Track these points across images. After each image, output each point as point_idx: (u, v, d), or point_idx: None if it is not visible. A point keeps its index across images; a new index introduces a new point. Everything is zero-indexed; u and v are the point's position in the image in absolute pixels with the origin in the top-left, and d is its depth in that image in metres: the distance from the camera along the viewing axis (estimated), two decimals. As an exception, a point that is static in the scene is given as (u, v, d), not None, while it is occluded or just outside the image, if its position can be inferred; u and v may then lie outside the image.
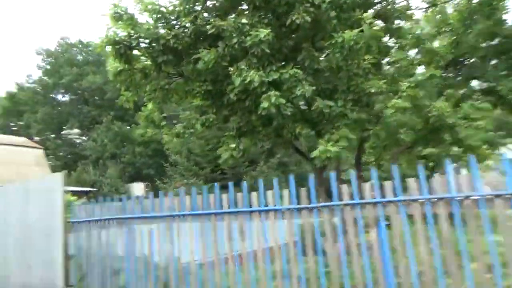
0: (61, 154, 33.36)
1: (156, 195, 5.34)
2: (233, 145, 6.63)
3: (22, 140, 26.30)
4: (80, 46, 36.65)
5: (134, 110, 12.34)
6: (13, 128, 34.62)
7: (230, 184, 4.50)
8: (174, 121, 16.70)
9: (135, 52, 7.54)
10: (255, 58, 6.29)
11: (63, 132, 34.54)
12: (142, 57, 7.73)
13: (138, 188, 27.46)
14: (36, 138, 32.55)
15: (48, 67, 35.20)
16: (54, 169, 25.93)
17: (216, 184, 4.66)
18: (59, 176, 5.69)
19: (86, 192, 19.95)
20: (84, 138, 34.92)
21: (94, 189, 22.99)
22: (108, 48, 7.25)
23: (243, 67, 6.24)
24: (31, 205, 5.99)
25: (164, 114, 9.20)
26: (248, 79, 6.08)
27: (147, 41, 7.25)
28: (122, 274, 5.19)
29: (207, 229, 4.56)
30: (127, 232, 5.23)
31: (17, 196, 6.27)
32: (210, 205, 4.60)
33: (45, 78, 34.71)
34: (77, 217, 5.78)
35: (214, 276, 4.44)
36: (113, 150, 30.61)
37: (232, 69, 6.34)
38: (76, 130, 36.54)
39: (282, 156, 23.34)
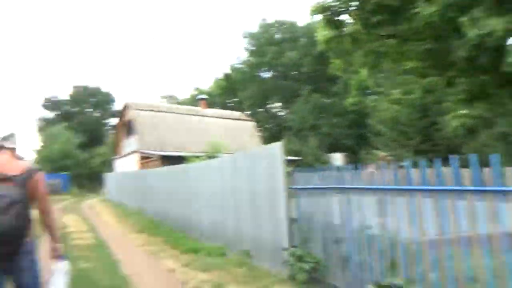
0: (267, 126, 37.10)
1: (355, 166, 5.14)
2: (463, 111, 5.67)
3: (238, 114, 30.32)
4: (277, 25, 39.25)
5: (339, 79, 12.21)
6: (229, 105, 40.31)
7: (472, 156, 3.76)
8: (381, 89, 15.87)
9: (344, 17, 7.30)
10: (496, 2, 5.10)
11: (268, 106, 38.04)
12: (351, 22, 7.43)
13: (337, 158, 27.91)
14: (247, 112, 37.04)
15: (253, 48, 39.18)
16: (263, 140, 29.00)
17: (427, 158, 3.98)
18: (279, 145, 6.03)
19: (293, 161, 21.44)
20: (285, 111, 37.68)
21: (299, 158, 24.48)
22: (318, 17, 7.23)
23: (479, 14, 5.15)
24: (257, 169, 6.60)
25: (377, 81, 8.69)
26: (487, 30, 4.98)
27: (357, 3, 6.88)
28: (343, 243, 5.17)
29: (443, 208, 3.98)
30: (346, 202, 5.15)
31: (245, 162, 7.03)
32: (446, 181, 3.98)
33: (250, 58, 38.81)
34: (296, 183, 6.06)
35: (453, 259, 3.87)
36: (312, 121, 32.00)
37: (463, 19, 5.33)
38: (278, 104, 39.82)
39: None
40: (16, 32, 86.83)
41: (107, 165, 41.01)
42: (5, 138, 3.01)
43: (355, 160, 25.80)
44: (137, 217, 14.66)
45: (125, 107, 26.24)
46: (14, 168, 2.79)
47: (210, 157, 14.34)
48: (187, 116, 25.54)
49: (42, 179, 2.96)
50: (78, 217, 16.21)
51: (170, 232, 10.76)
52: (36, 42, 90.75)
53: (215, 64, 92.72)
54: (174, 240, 9.30)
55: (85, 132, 53.26)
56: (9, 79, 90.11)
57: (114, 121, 57.92)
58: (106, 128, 58.44)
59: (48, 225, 3.02)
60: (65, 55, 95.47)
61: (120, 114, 27.44)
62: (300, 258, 5.51)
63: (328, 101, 32.89)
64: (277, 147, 6.10)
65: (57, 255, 3.09)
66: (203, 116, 26.43)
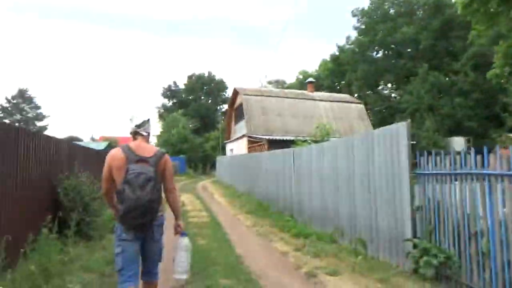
0: (377, 108, 35.02)
1: (480, 151, 4.35)
2: None
3: (346, 96, 29.15)
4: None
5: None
6: (337, 88, 39.04)
7: None
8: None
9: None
10: None
11: (379, 88, 35.81)
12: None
13: (458, 143, 25.00)
14: (356, 95, 35.40)
15: (363, 26, 37.02)
16: (373, 123, 27.43)
17: None
18: (404, 125, 5.38)
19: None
20: (398, 92, 34.99)
21: (413, 142, 22.50)
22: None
23: None
24: (376, 152, 6.05)
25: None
26: None
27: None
28: (481, 237, 4.39)
29: None
30: (487, 189, 4.33)
31: (362, 144, 6.51)
32: None
33: (360, 37, 36.78)
34: (423, 168, 5.36)
35: None
36: (430, 102, 29.15)
37: None
38: (389, 85, 37.19)
39: None
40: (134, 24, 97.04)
41: (219, 149, 43.56)
42: (139, 126, 3.36)
43: (481, 144, 22.71)
44: (246, 198, 15.12)
45: (235, 93, 27.22)
46: (148, 151, 3.17)
47: (317, 141, 13.96)
48: (294, 100, 25.39)
49: (170, 161, 3.30)
50: (193, 196, 17.42)
51: (278, 214, 10.77)
52: (153, 34, 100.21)
53: (322, 46, 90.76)
54: (282, 223, 9.25)
55: (199, 118, 57.35)
56: (132, 71, 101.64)
57: (225, 107, 61.46)
58: (218, 114, 61.97)
59: (172, 203, 3.34)
60: (179, 45, 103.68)
61: (230, 100, 28.62)
62: (426, 251, 4.88)
63: (448, 79, 29.51)
64: (401, 127, 5.47)
65: (179, 231, 3.40)
66: (310, 99, 26.00)
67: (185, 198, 16.46)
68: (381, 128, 6.09)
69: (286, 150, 11.19)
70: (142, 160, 3.06)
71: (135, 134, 3.35)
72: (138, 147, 3.19)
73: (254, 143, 22.08)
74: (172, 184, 3.31)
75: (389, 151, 5.70)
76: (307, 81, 29.68)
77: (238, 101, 26.95)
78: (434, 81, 29.23)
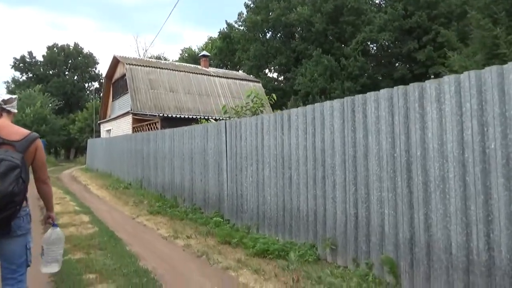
0: (267, 90, 33.65)
1: None
2: None
3: (243, 74, 26.81)
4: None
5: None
6: (227, 68, 36.49)
7: None
8: None
9: None
10: None
11: (271, 69, 34.53)
12: None
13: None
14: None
15: (253, 5, 35.00)
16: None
17: None
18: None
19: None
20: (289, 74, 34.19)
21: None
22: None
23: None
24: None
25: None
26: None
27: None
28: None
29: None
30: None
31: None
32: None
33: (252, 16, 34.71)
34: None
35: None
36: (323, 85, 28.82)
37: None
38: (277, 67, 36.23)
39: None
40: (-18, -15, 78.78)
41: (88, 132, 37.12)
42: (5, 101, 2.81)
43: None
44: (138, 191, 11.46)
45: (114, 63, 22.15)
46: (15, 133, 2.66)
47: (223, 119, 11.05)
48: (187, 74, 21.84)
49: (41, 147, 2.80)
50: (61, 190, 12.81)
51: (195, 213, 7.69)
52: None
53: (203, 25, 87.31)
54: (219, 229, 6.19)
55: (63, 96, 48.65)
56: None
57: (95, 85, 53.48)
58: (86, 92, 53.70)
59: (45, 194, 2.88)
60: (36, 11, 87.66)
61: (108, 71, 23.29)
62: None
63: (339, 63, 29.62)
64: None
65: (50, 222, 2.96)
66: (206, 74, 22.77)
67: (48, 193, 11.83)
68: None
69: (213, 123, 8.02)
70: (6, 143, 2.52)
71: None
72: (2, 127, 2.61)
73: (141, 122, 18.01)
74: (45, 174, 2.83)
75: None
76: (200, 54, 26.37)
77: (118, 73, 22.11)
78: (327, 65, 28.96)
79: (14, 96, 2.95)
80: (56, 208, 8.92)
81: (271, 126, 5.94)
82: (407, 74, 28.94)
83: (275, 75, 38.46)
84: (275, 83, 35.86)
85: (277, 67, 34.79)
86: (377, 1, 33.17)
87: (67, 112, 48.34)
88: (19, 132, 2.68)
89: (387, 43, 30.58)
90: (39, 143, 2.76)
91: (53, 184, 14.88)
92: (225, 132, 7.24)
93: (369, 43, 31.22)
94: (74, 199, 10.47)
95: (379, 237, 4.06)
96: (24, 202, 2.63)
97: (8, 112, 2.82)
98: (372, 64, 31.94)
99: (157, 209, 8.43)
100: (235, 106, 9.66)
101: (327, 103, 4.90)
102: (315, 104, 5.15)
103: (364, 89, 29.45)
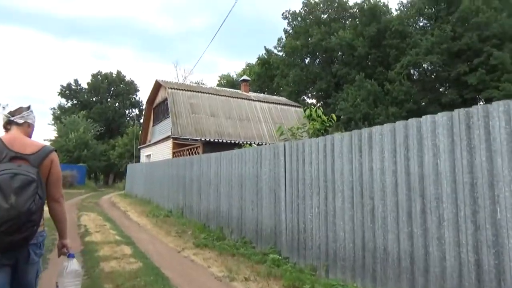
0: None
1: None
2: None
3: (283, 99, 26.20)
4: (323, 4, 34.71)
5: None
6: (265, 93, 36.16)
7: None
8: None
9: None
10: None
11: (311, 94, 33.79)
12: None
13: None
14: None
15: (294, 29, 34.78)
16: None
17: None
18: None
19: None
20: (330, 100, 33.28)
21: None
22: None
23: None
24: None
25: None
26: None
27: None
28: None
29: None
30: None
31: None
32: None
33: (292, 41, 34.49)
34: None
35: None
36: (366, 110, 27.66)
37: None
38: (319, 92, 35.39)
39: None
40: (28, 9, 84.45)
41: (128, 157, 37.45)
42: (13, 112, 2.57)
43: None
44: (180, 219, 10.72)
45: (156, 87, 22.17)
46: (29, 146, 2.45)
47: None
48: (228, 99, 21.44)
49: (57, 160, 2.56)
50: (100, 216, 12.30)
51: (247, 246, 6.80)
52: (50, 22, 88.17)
53: (237, 54, 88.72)
54: (277, 268, 5.25)
55: (104, 122, 49.98)
56: (24, 63, 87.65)
57: (135, 111, 54.74)
58: (126, 119, 54.98)
59: (58, 215, 2.57)
60: (81, 45, 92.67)
61: (149, 96, 23.32)
62: None
63: (382, 88, 28.46)
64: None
65: (65, 252, 2.62)
66: (246, 99, 22.30)
67: (88, 219, 11.34)
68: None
69: (268, 146, 7.20)
70: (19, 157, 2.33)
71: (7, 124, 2.55)
72: (14, 140, 2.41)
73: (182, 146, 17.55)
74: (60, 192, 2.54)
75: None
76: (241, 79, 26.05)
77: (160, 97, 22.06)
78: (370, 89, 27.87)
79: (24, 106, 2.69)
80: (96, 236, 8.32)
81: (344, 147, 5.04)
82: (457, 98, 27.33)
83: (314, 101, 37.70)
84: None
85: (316, 92, 34.03)
86: (421, 24, 32.01)
87: (108, 137, 49.40)
88: (33, 145, 2.49)
89: (431, 68, 29.19)
90: (55, 156, 2.54)
91: (92, 210, 14.51)
92: (283, 155, 6.39)
93: (412, 68, 29.97)
94: (115, 227, 9.85)
95: (520, 296, 2.99)
96: (41, 225, 2.41)
97: (17, 123, 2.56)
98: (416, 88, 30.57)
99: (203, 241, 7.58)
100: (291, 127, 8.82)
101: (427, 118, 3.96)
102: (409, 120, 4.22)
103: (410, 115, 28.00)
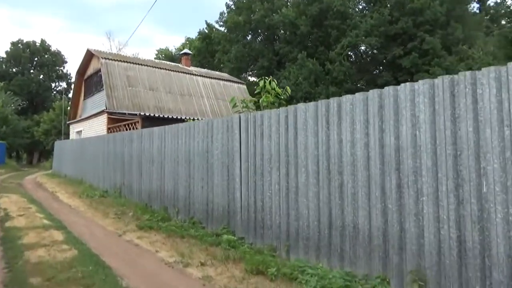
0: (250, 93, 32.38)
1: None
2: None
3: (225, 75, 25.44)
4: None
5: None
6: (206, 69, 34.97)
7: None
8: None
9: None
10: None
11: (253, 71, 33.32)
12: None
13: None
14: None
15: (234, 6, 33.74)
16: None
17: None
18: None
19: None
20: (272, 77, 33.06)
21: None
22: None
23: None
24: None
25: None
26: None
27: None
28: None
29: None
30: None
31: None
32: None
33: (235, 16, 33.44)
34: None
35: None
36: (308, 89, 27.87)
37: None
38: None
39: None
40: None
41: (55, 134, 34.45)
42: None
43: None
44: (119, 200, 9.85)
45: (88, 57, 20.15)
46: None
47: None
48: (168, 72, 20.19)
49: None
50: (24, 198, 10.93)
51: (197, 227, 6.32)
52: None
53: (180, 26, 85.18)
54: (235, 250, 4.81)
55: (27, 96, 45.45)
56: None
57: (63, 85, 50.38)
58: (53, 92, 50.51)
59: None
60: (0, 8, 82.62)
61: (80, 66, 21.18)
62: None
63: (323, 67, 28.79)
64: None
65: None
66: (188, 73, 21.20)
67: (9, 201, 9.98)
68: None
69: (221, 118, 6.61)
70: None
71: None
72: None
73: (118, 121, 16.24)
74: None
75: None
76: (182, 52, 24.74)
77: (92, 68, 20.15)
78: (312, 69, 28.06)
79: None
80: (20, 221, 7.22)
81: (309, 119, 4.66)
82: (391, 80, 28.50)
83: (255, 79, 37.28)
84: (255, 87, 34.65)
85: (258, 70, 33.60)
86: (360, 7, 32.71)
87: (31, 113, 45.14)
88: None
89: (368, 50, 30.08)
90: None
91: (15, 191, 12.93)
92: (239, 128, 5.87)
93: (351, 49, 30.65)
94: (42, 210, 8.72)
95: (508, 273, 2.82)
96: None
97: None
98: (354, 70, 31.40)
99: (147, 223, 6.90)
100: (243, 99, 8.30)
101: (406, 86, 3.66)
102: (385, 88, 3.90)
103: (348, 94, 28.80)
